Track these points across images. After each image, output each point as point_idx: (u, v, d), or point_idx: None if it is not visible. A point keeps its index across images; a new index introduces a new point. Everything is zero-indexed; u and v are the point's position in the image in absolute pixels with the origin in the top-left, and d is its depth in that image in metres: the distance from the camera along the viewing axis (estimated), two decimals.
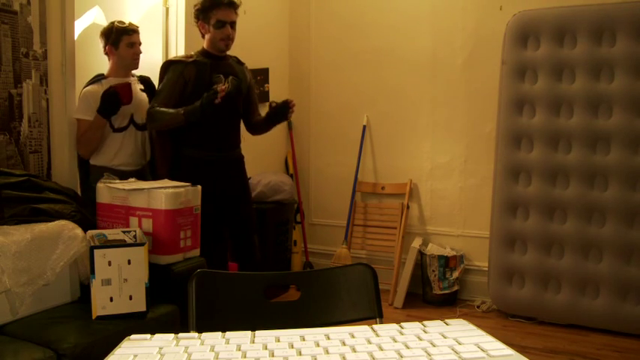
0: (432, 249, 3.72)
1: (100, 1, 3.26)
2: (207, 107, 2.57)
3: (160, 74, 2.79)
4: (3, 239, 1.83)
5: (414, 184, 3.96)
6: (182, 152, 2.80)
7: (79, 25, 3.09)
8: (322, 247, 4.27)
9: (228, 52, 2.88)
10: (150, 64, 3.32)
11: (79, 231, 2.07)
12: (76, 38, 2.67)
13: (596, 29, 3.12)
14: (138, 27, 2.80)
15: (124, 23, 2.75)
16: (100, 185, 2.37)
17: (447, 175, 3.85)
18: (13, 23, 2.31)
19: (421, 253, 3.71)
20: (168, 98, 2.69)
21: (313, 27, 4.26)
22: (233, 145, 2.93)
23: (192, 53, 2.83)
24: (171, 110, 2.63)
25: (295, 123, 4.33)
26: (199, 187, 2.42)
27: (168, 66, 2.76)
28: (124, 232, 2.18)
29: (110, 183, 2.36)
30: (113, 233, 2.16)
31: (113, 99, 2.56)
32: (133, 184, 2.38)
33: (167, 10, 3.29)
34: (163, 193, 2.23)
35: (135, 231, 2.19)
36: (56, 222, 2.05)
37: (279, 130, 4.27)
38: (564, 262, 3.19)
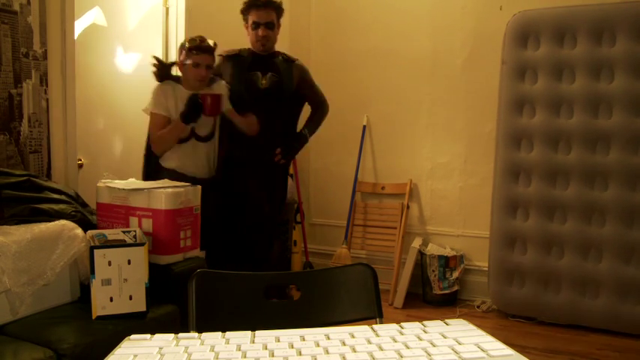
0: (432, 249, 3.72)
1: (100, 1, 3.26)
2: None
3: None
4: (3, 239, 1.83)
5: (414, 184, 3.96)
6: (231, 154, 2.86)
7: (79, 25, 3.09)
8: (322, 247, 4.27)
9: (278, 49, 2.96)
10: (149, 64, 3.32)
11: (79, 231, 2.07)
12: (76, 38, 2.67)
13: (596, 29, 3.11)
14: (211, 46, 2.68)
15: (195, 41, 2.64)
16: (100, 185, 2.37)
17: (447, 175, 3.84)
18: (13, 23, 2.31)
19: (421, 253, 3.70)
20: None
21: (313, 27, 4.26)
22: (268, 145, 2.95)
23: (241, 49, 2.88)
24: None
25: None
26: (199, 187, 2.42)
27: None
28: (124, 232, 2.18)
29: (110, 183, 2.36)
30: (113, 233, 2.16)
31: (195, 107, 2.54)
32: (132, 184, 2.38)
33: (167, 10, 3.29)
34: (163, 193, 2.23)
35: (135, 231, 2.19)
36: (56, 222, 2.05)
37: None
38: (564, 262, 3.19)
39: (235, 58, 2.87)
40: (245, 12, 2.84)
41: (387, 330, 0.88)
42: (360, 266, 1.26)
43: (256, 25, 2.81)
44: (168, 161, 2.69)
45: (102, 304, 1.96)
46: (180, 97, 2.64)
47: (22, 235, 1.90)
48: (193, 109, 2.54)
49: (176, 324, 2.13)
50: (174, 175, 2.61)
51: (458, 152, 3.79)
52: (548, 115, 3.24)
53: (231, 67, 2.85)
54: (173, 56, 3.29)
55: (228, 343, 0.82)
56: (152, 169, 2.72)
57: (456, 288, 3.66)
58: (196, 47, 2.60)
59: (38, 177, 2.34)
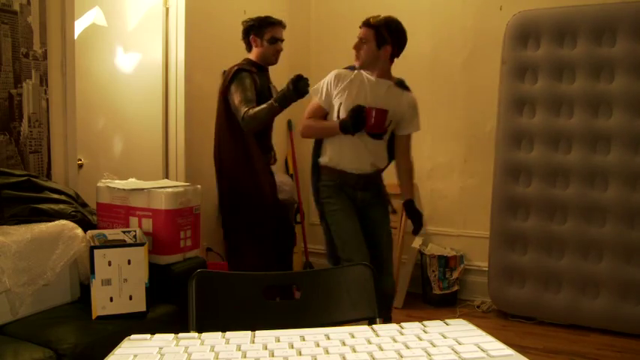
0: (432, 249, 3.72)
1: (100, 1, 3.25)
2: (302, 89, 2.64)
3: (229, 80, 2.84)
4: (3, 239, 1.83)
5: (414, 184, 3.94)
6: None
7: (79, 25, 3.09)
8: (322, 247, 4.25)
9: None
10: (149, 64, 3.33)
11: (79, 231, 2.07)
12: (76, 38, 2.67)
13: (597, 29, 3.11)
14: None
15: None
16: (100, 185, 2.37)
17: (447, 175, 3.84)
18: (13, 23, 2.31)
19: (421, 253, 3.70)
20: (253, 101, 2.79)
21: (313, 27, 4.25)
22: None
23: (243, 62, 2.93)
24: (263, 105, 2.73)
25: (295, 123, 4.33)
26: (199, 186, 2.42)
27: (239, 73, 2.84)
28: (124, 232, 2.18)
29: (110, 183, 2.36)
30: (113, 233, 2.16)
31: (358, 120, 2.41)
32: (132, 184, 2.38)
33: (167, 10, 3.29)
34: (163, 193, 2.23)
35: (135, 231, 2.19)
36: (56, 222, 2.05)
37: (279, 130, 4.27)
38: (564, 262, 3.19)
39: (257, 74, 2.91)
40: (261, 27, 2.91)
41: (387, 330, 0.88)
42: (360, 266, 1.26)
43: (274, 40, 2.93)
44: (324, 157, 2.59)
45: (102, 304, 1.96)
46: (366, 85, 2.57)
47: (22, 235, 1.90)
48: (356, 122, 2.41)
49: (176, 324, 2.12)
50: (328, 171, 2.57)
51: (458, 152, 3.79)
52: (548, 115, 3.24)
53: (259, 81, 2.90)
54: (173, 56, 3.29)
55: (228, 343, 0.82)
56: (314, 165, 2.67)
57: (455, 288, 3.66)
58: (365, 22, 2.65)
59: (38, 177, 2.34)
